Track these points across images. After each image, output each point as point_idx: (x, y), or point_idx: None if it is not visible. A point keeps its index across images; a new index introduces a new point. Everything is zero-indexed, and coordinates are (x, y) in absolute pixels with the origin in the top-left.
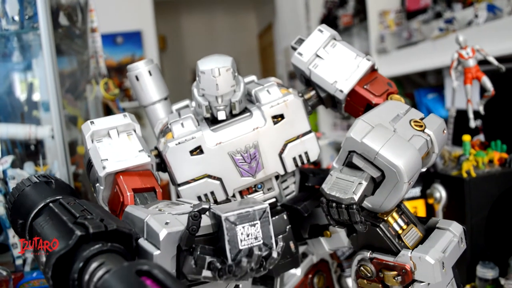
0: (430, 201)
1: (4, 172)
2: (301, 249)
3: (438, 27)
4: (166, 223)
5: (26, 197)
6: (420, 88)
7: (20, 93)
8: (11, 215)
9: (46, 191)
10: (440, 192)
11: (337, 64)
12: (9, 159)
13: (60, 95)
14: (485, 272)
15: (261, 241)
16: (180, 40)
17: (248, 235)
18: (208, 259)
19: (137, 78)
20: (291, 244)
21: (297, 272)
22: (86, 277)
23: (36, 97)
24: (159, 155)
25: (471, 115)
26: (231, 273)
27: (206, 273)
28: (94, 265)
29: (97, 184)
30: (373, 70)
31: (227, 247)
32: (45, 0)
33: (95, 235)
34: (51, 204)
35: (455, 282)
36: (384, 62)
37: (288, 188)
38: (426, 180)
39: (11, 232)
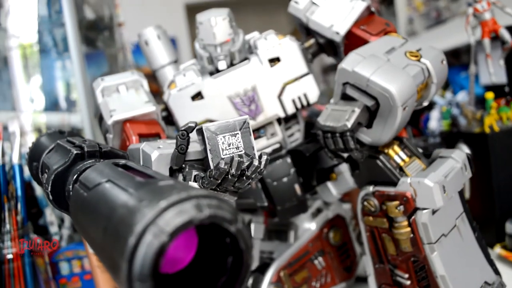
0: None
1: None
2: (316, 204)
3: (467, 2)
4: (159, 148)
5: (41, 144)
6: (452, 67)
7: (61, 91)
8: (29, 163)
9: (59, 138)
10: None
11: (332, 8)
12: None
13: (86, 79)
14: None
15: (243, 151)
16: None
17: (229, 145)
18: (195, 172)
19: (146, 43)
20: (297, 187)
21: (311, 226)
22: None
23: (73, 96)
24: (166, 109)
25: (491, 70)
26: (211, 177)
27: (193, 184)
28: None
29: (107, 134)
30: (371, 13)
31: (209, 156)
32: None
33: (89, 153)
34: (59, 141)
35: (466, 217)
36: None
37: (293, 135)
38: (449, 141)
39: (48, 211)
